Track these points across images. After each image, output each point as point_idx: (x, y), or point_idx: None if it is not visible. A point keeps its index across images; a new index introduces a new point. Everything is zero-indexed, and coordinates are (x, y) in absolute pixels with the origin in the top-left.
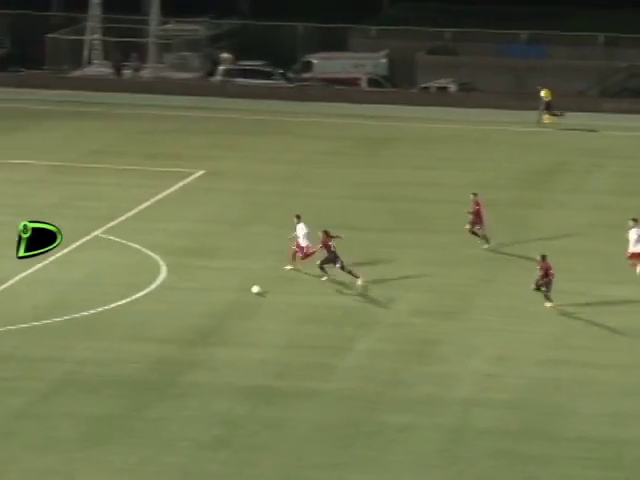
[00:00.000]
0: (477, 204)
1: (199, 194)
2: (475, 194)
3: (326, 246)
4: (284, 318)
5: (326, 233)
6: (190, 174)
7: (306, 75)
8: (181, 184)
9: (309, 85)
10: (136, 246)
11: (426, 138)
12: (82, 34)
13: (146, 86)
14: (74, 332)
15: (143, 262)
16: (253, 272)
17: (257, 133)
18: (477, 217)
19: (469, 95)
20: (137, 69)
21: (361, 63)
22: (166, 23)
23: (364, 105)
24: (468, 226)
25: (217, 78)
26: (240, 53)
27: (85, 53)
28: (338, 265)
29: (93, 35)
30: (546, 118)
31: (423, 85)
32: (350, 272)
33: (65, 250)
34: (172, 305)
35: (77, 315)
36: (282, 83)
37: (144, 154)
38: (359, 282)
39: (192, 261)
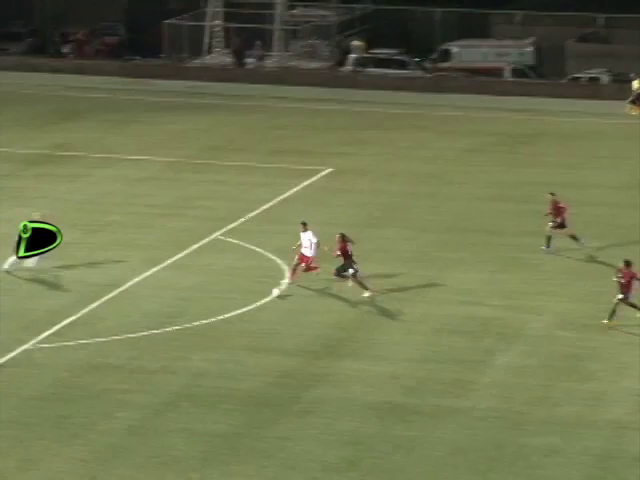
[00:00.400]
0: (556, 204)
1: (326, 194)
2: (553, 194)
3: (343, 251)
4: (418, 329)
5: (343, 237)
6: (317, 172)
7: (444, 65)
8: (307, 183)
9: (447, 75)
10: (258, 249)
11: (575, 134)
12: (202, 20)
13: (271, 76)
14: (191, 342)
15: (265, 267)
16: (383, 279)
17: (390, 128)
18: (559, 217)
19: (624, 87)
20: (261, 58)
21: (505, 52)
22: (293, 8)
23: (508, 98)
24: (550, 224)
25: (348, 68)
26: (373, 41)
27: (205, 41)
28: (351, 272)
29: (214, 21)
30: (631, 109)
31: (573, 76)
32: (360, 283)
33: (182, 253)
34: (296, 314)
35: (194, 323)
36: (418, 73)
37: (268, 150)
38: (366, 294)
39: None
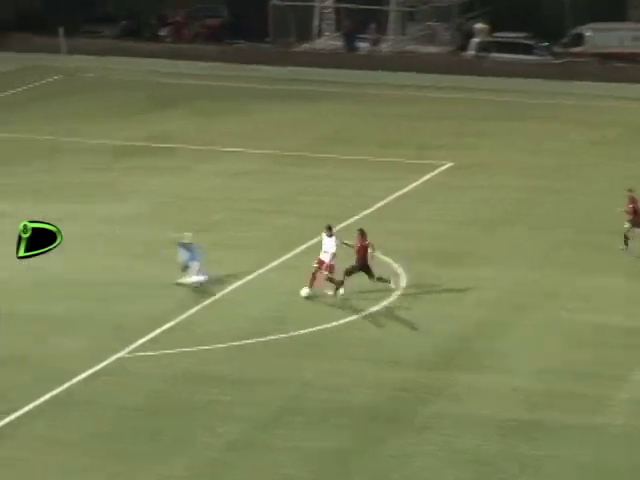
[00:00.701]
0: (634, 201)
1: (445, 190)
2: (630, 190)
3: (359, 250)
4: (546, 339)
5: (362, 233)
6: (435, 167)
7: (576, 50)
8: (424, 178)
9: (579, 61)
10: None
11: None
12: (311, 1)
13: (385, 62)
14: (298, 351)
15: (379, 270)
16: (508, 282)
17: (515, 118)
18: (636, 216)
19: None
20: (375, 42)
21: None
22: None
23: None
24: (627, 225)
25: (470, 53)
26: (497, 23)
27: (315, 23)
28: (372, 280)
29: (324, 2)
30: None
31: None
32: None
33: (289, 254)
34: (412, 321)
35: (302, 331)
36: (547, 59)
37: (381, 142)
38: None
39: (435, 269)
